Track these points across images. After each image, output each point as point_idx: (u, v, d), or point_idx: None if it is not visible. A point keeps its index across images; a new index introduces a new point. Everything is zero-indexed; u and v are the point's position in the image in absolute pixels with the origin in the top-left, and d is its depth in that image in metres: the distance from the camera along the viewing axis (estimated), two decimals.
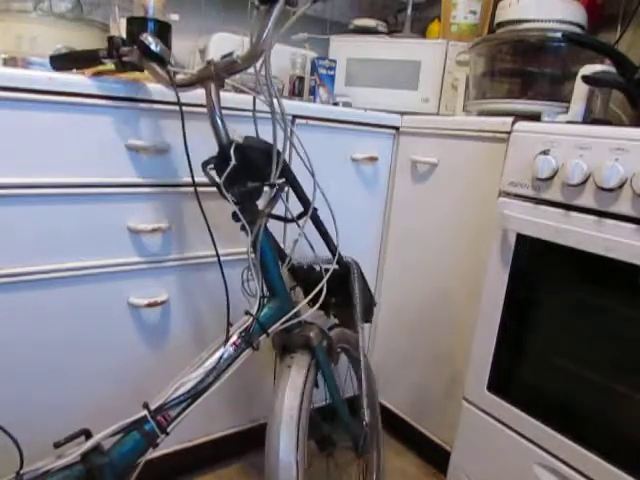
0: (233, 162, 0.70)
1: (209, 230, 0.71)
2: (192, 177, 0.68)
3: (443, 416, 1.21)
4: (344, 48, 1.44)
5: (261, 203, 0.77)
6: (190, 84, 0.75)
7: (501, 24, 1.18)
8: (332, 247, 0.88)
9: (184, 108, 0.92)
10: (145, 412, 0.66)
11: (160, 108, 0.90)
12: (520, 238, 0.94)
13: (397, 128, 1.26)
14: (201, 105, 0.94)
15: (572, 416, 0.89)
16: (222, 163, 0.71)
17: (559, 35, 1.07)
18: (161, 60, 0.75)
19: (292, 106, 1.05)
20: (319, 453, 0.99)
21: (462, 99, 1.30)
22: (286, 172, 0.78)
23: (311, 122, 1.09)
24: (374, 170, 1.26)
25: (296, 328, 0.83)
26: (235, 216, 0.75)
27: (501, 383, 1.00)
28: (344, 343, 0.99)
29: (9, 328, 0.84)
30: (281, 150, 0.72)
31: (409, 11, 1.53)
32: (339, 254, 0.88)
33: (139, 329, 0.99)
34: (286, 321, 0.78)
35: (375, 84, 1.43)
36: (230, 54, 0.70)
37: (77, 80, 0.81)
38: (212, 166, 0.74)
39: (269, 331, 0.77)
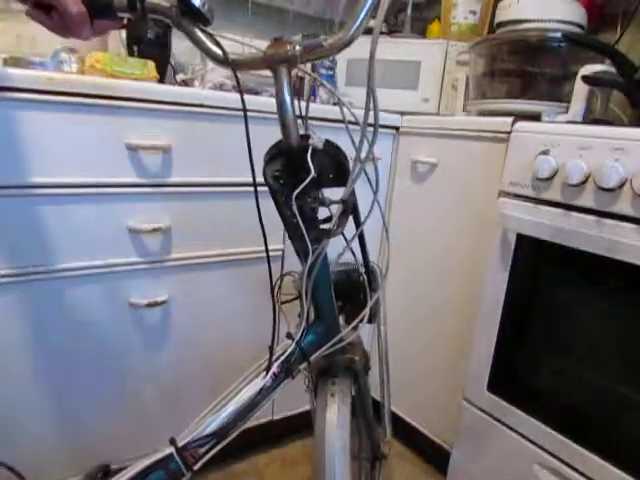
0: (313, 174, 0.58)
1: (262, 231, 0.60)
2: (253, 179, 0.57)
3: (443, 416, 1.20)
4: None
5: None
6: (253, 64, 0.60)
7: (501, 24, 1.18)
8: (368, 258, 0.80)
9: (188, 108, 0.93)
10: (172, 449, 0.60)
11: (160, 108, 0.90)
12: (520, 238, 0.94)
13: (397, 128, 1.26)
14: (193, 104, 0.94)
15: (572, 416, 0.89)
16: (290, 169, 0.59)
17: (559, 35, 1.07)
18: (202, 21, 0.59)
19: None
20: None
21: (462, 99, 1.30)
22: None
23: (311, 122, 1.09)
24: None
25: (338, 351, 0.73)
26: (296, 234, 0.61)
27: (501, 383, 1.00)
28: None
29: (6, 329, 0.84)
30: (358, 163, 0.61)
31: (409, 11, 1.53)
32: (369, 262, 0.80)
33: (139, 329, 0.99)
34: (331, 346, 0.69)
35: (375, 84, 1.43)
36: (314, 35, 0.60)
37: (76, 80, 0.81)
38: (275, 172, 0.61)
39: (311, 359, 0.68)
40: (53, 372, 0.91)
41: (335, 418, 0.71)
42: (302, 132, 0.60)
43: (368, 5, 0.53)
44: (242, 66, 0.60)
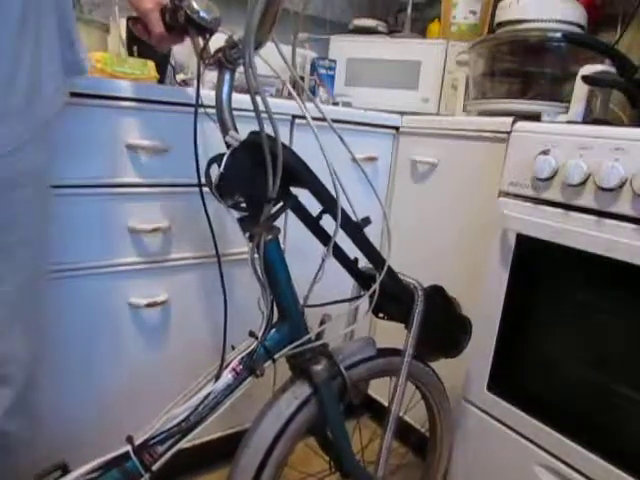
0: (220, 170, 0.62)
1: (212, 232, 0.66)
2: (198, 176, 0.63)
3: None
4: (344, 48, 1.44)
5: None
6: (213, 63, 0.67)
7: (501, 24, 1.18)
8: (378, 265, 0.81)
9: (187, 108, 0.93)
10: (128, 447, 0.57)
11: (161, 108, 0.90)
12: (520, 238, 0.94)
13: (397, 128, 1.26)
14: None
15: (572, 416, 0.89)
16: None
17: (559, 35, 1.07)
18: (202, 29, 0.68)
19: (291, 106, 1.05)
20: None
21: (462, 99, 1.30)
22: (299, 176, 0.68)
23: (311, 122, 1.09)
24: (374, 170, 1.26)
25: (309, 353, 0.71)
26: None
27: (501, 383, 1.00)
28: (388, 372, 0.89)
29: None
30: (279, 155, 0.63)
31: (409, 11, 1.53)
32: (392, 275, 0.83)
33: (139, 329, 0.98)
34: (296, 347, 0.68)
35: (375, 84, 1.43)
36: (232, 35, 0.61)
37: (76, 80, 0.81)
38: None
39: (275, 357, 0.68)
40: (50, 372, 0.91)
41: (272, 410, 0.70)
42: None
43: (258, 8, 0.60)
44: (210, 64, 0.67)
